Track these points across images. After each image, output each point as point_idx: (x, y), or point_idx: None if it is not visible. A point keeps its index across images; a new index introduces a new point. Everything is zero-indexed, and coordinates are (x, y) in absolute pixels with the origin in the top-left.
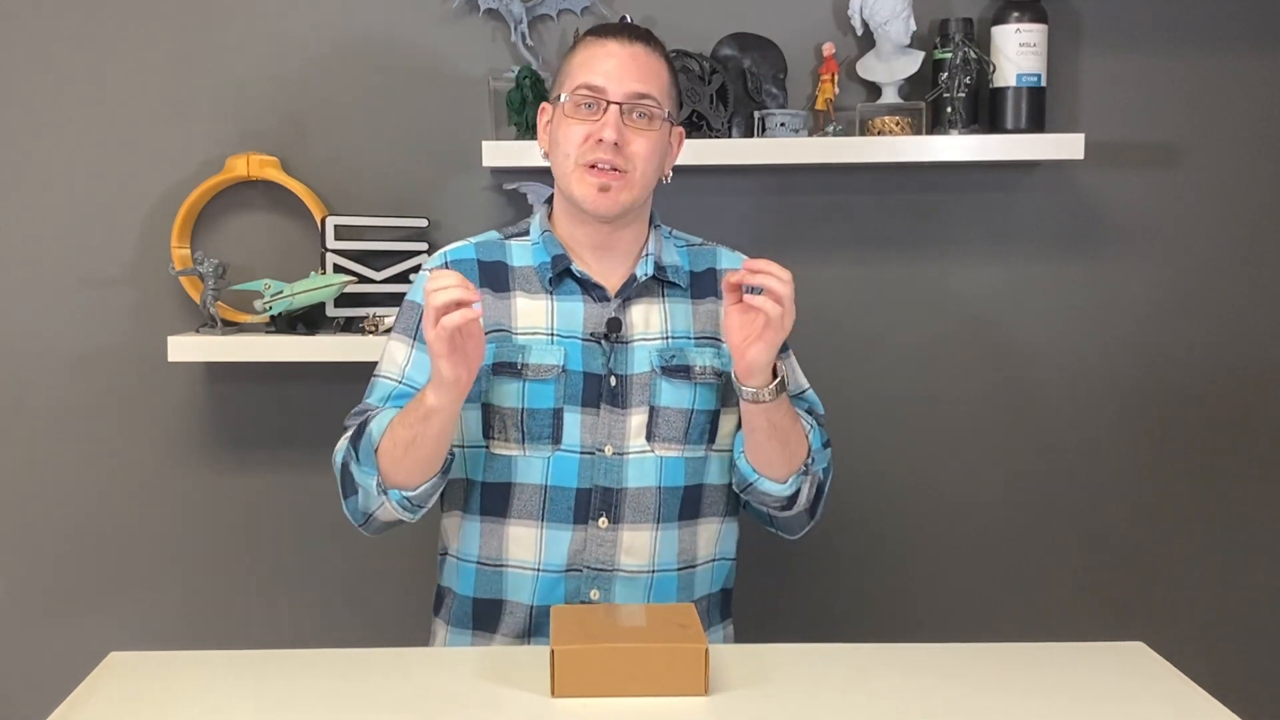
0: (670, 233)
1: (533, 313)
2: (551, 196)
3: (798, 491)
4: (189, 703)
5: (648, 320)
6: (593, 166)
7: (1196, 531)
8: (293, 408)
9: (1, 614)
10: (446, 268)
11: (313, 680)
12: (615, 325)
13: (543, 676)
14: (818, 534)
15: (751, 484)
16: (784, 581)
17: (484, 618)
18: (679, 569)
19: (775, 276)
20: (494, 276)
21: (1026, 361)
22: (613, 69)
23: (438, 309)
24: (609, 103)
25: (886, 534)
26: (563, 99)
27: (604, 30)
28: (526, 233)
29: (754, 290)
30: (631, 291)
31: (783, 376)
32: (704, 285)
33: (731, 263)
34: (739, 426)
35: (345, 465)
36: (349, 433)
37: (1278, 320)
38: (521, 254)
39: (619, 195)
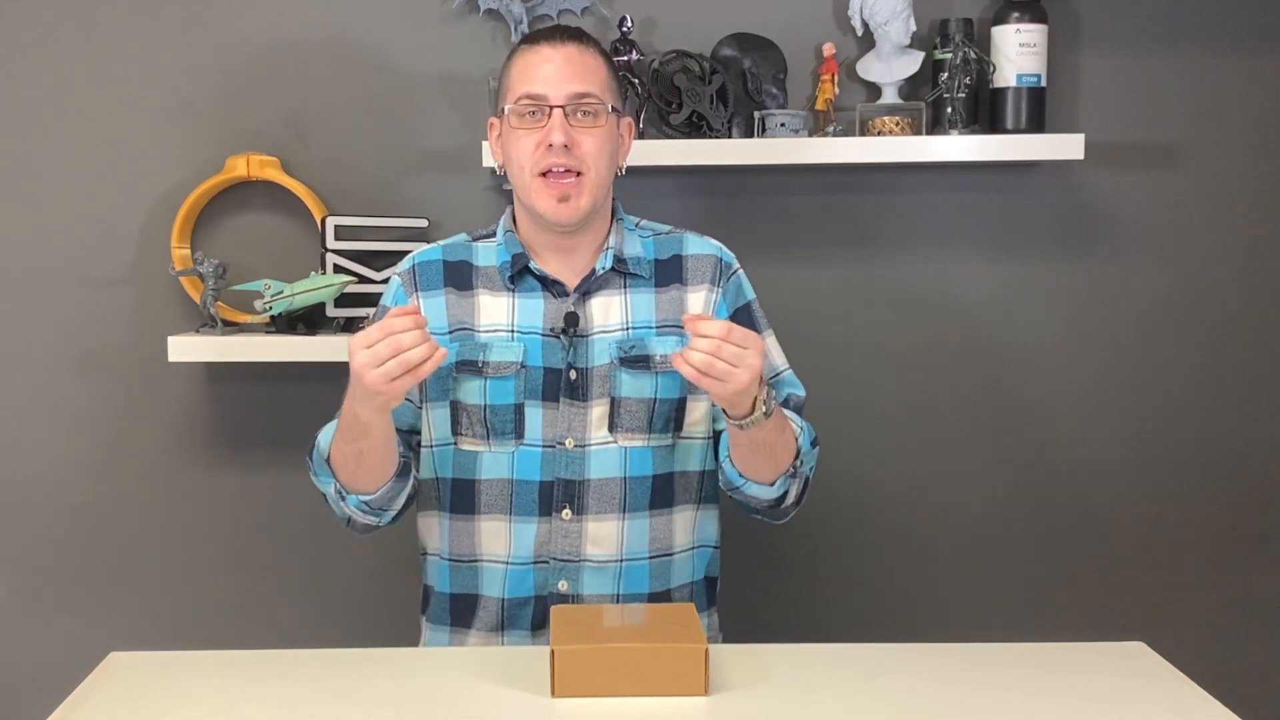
0: (637, 224)
1: (495, 310)
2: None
3: (785, 493)
4: (189, 703)
5: (607, 312)
6: (547, 173)
7: (1196, 531)
8: (293, 408)
9: (1, 614)
10: (413, 271)
11: (313, 680)
12: (572, 320)
13: (543, 676)
14: (815, 533)
15: (738, 488)
16: (782, 584)
17: (460, 613)
18: (651, 558)
19: (699, 349)
20: (458, 276)
21: (1026, 361)
22: (550, 73)
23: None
24: (551, 107)
25: (887, 534)
26: (506, 111)
27: (535, 36)
28: (493, 234)
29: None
30: (590, 285)
31: (767, 406)
32: (669, 273)
33: (698, 248)
34: (712, 412)
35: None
36: None
37: (1278, 320)
38: (486, 254)
39: (579, 202)
